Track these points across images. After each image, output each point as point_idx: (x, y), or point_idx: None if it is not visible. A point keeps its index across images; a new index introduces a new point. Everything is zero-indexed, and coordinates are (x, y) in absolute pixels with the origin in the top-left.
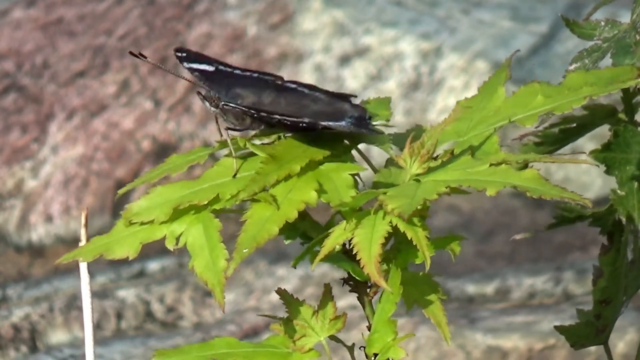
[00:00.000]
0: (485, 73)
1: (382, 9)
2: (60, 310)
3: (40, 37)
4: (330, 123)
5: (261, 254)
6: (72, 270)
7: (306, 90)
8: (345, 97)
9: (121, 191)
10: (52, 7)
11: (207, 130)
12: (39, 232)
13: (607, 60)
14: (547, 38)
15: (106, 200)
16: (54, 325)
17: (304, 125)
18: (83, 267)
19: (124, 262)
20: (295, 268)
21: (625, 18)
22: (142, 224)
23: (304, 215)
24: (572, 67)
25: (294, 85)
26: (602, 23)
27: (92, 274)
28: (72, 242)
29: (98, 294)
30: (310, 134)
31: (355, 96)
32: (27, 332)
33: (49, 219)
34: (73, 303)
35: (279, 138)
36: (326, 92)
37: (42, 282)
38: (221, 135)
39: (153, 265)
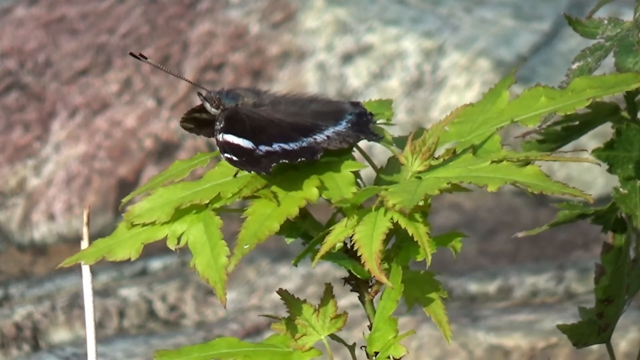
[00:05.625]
0: (487, 71)
1: (384, 8)
2: (62, 308)
3: (42, 35)
4: (329, 133)
5: (263, 253)
6: (74, 269)
7: (307, 95)
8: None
9: (125, 199)
10: (55, 5)
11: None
12: (41, 230)
13: (610, 59)
14: (549, 36)
15: (108, 199)
16: (56, 323)
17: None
18: (85, 266)
19: (127, 261)
20: (296, 266)
21: (628, 16)
22: (144, 225)
23: (305, 214)
24: (574, 66)
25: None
26: (605, 21)
27: (94, 272)
28: (74, 240)
29: (100, 293)
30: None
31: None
32: (29, 330)
33: (51, 217)
34: (75, 301)
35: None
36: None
37: (45, 281)
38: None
39: (155, 264)
